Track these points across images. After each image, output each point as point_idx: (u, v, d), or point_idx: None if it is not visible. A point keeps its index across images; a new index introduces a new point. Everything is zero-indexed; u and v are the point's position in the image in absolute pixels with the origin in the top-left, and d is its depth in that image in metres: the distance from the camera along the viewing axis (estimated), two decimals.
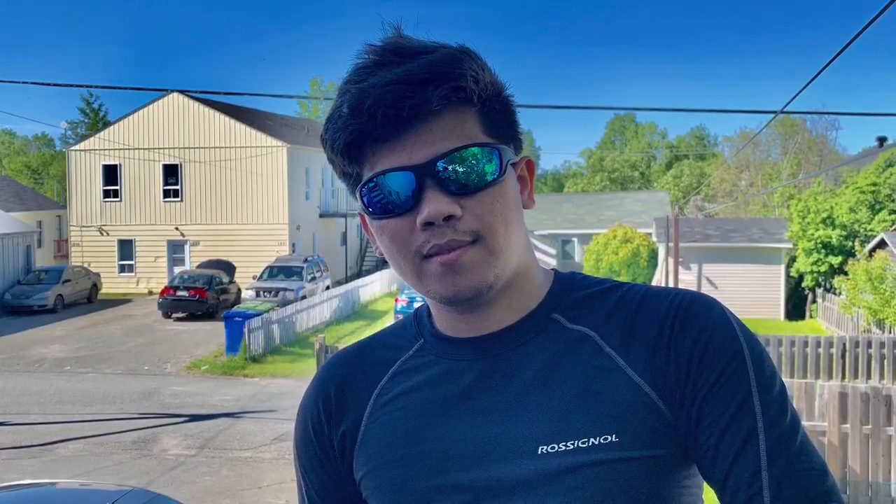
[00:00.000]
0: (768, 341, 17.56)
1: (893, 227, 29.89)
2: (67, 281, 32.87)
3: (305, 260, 32.33)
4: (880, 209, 31.18)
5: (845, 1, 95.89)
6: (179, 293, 29.44)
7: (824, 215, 30.33)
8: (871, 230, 30.28)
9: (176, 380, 20.38)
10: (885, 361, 17.97)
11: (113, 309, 32.51)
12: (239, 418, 16.63)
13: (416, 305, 1.42)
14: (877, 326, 22.47)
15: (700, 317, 1.14)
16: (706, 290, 29.06)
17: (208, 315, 29.18)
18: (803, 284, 31.06)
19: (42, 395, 18.62)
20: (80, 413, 17.01)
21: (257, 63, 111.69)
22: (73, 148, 39.59)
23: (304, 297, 28.38)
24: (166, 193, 38.05)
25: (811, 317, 30.41)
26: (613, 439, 1.09)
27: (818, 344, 18.17)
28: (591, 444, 1.09)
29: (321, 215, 40.59)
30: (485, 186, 1.12)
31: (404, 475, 1.19)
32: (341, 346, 14.18)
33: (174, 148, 37.67)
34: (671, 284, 25.35)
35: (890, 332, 21.11)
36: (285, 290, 29.56)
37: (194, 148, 37.55)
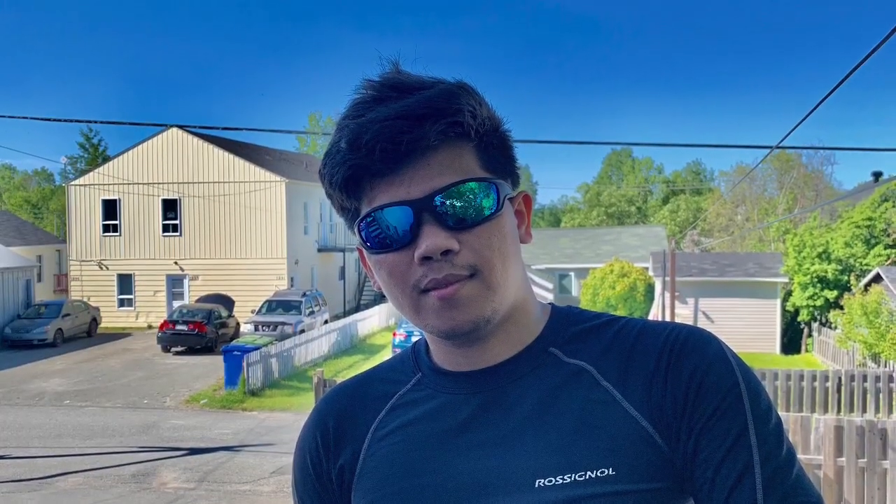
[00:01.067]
0: (764, 375, 17.56)
1: (889, 262, 30.01)
2: (67, 315, 32.87)
3: (304, 294, 32.30)
4: (876, 244, 31.27)
5: (841, 36, 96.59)
6: (178, 327, 29.43)
7: (820, 250, 30.42)
8: (866, 264, 30.37)
9: (175, 413, 20.38)
10: (881, 395, 17.94)
11: (112, 343, 32.52)
12: (238, 452, 16.63)
13: (414, 339, 1.48)
14: (872, 360, 22.45)
15: (696, 351, 1.14)
16: (702, 324, 29.13)
17: (207, 349, 29.17)
18: (799, 318, 31.08)
19: (42, 429, 18.62)
20: (79, 446, 17.01)
21: (256, 98, 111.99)
22: (72, 183, 39.63)
23: (302, 331, 28.38)
24: (165, 228, 38.13)
25: (807, 351, 30.39)
26: (610, 472, 1.09)
27: (814, 378, 18.16)
28: (588, 477, 1.09)
29: (319, 250, 40.64)
30: (482, 221, 1.12)
31: None
32: (340, 379, 14.26)
33: (173, 183, 37.79)
34: (668, 318, 25.43)
35: (885, 366, 21.12)
36: (284, 324, 29.55)
37: (193, 183, 37.67)
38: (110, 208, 38.50)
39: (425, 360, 1.29)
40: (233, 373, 22.17)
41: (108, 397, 22.21)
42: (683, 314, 30.54)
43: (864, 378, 18.15)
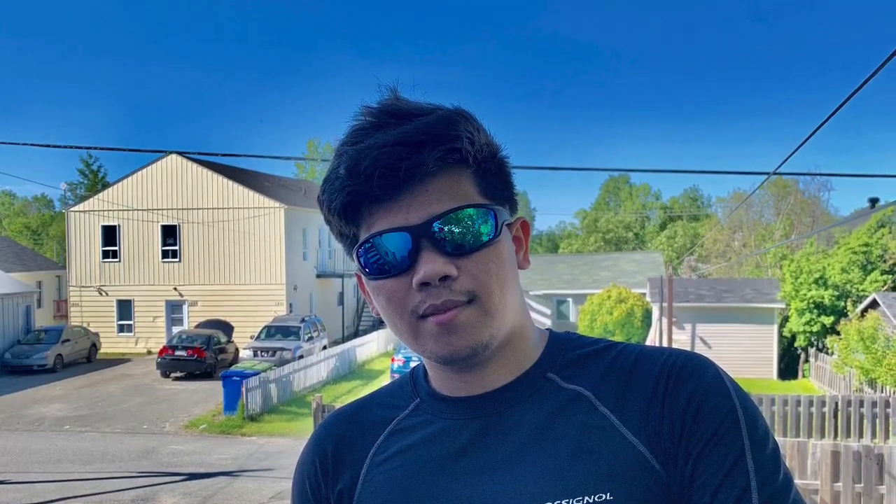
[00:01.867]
0: (761, 400, 17.59)
1: (885, 287, 30.13)
2: (67, 341, 32.84)
3: (303, 320, 32.34)
4: (872, 269, 31.41)
5: (837, 64, 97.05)
6: (178, 353, 29.38)
7: (817, 275, 30.54)
8: (863, 290, 30.50)
9: (174, 439, 20.39)
10: (877, 420, 17.96)
11: (112, 368, 32.50)
12: (237, 477, 16.64)
13: (413, 365, 1.50)
14: (869, 386, 22.49)
15: (694, 376, 1.14)
16: (699, 349, 29.18)
17: (206, 374, 29.15)
18: (796, 344, 31.14)
19: (42, 454, 18.63)
20: (79, 472, 17.00)
21: (255, 124, 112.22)
22: (72, 209, 39.68)
23: (301, 357, 28.39)
24: (165, 254, 38.17)
25: (804, 376, 30.40)
26: (608, 498, 1.08)
27: (811, 403, 18.19)
28: (585, 502, 1.08)
29: (318, 275, 40.72)
30: (480, 247, 1.13)
31: None
32: (338, 405, 14.32)
33: (173, 209, 37.89)
34: (665, 344, 25.49)
35: (882, 392, 21.18)
36: (283, 349, 29.53)
37: (193, 209, 37.77)
38: (110, 234, 38.56)
39: (424, 386, 1.30)
40: (232, 398, 22.20)
41: (107, 422, 22.23)
42: (681, 340, 30.60)
43: (861, 403, 18.18)
